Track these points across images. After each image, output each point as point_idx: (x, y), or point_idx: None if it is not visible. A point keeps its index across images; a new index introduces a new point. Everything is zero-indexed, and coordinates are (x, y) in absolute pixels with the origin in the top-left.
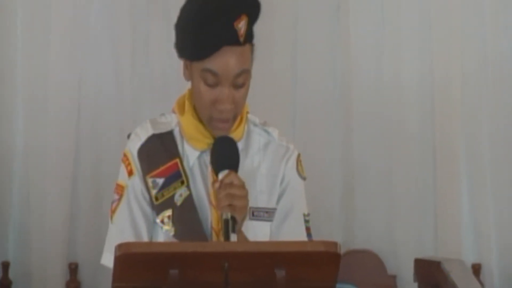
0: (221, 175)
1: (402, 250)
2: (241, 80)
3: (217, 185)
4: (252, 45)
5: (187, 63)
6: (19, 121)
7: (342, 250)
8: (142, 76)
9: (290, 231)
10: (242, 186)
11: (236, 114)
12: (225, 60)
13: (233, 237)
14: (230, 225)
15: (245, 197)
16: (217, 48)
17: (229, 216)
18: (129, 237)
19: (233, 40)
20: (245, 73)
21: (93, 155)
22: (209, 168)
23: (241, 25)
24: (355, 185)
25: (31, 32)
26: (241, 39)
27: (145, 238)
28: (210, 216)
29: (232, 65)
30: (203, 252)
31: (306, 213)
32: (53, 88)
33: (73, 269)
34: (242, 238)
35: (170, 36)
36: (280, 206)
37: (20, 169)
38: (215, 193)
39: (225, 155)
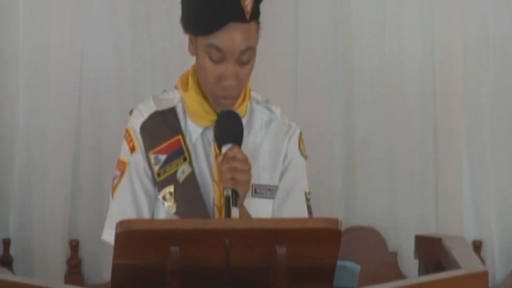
0: (224, 149)
1: (403, 227)
2: (246, 58)
3: (220, 158)
4: (258, 22)
5: (192, 38)
6: (20, 100)
7: (343, 227)
8: (143, 54)
9: (292, 209)
10: (245, 160)
11: (240, 91)
12: (231, 36)
13: (235, 211)
14: (232, 199)
15: (248, 171)
16: (223, 23)
17: (230, 192)
18: (130, 214)
19: (239, 16)
20: (250, 50)
21: (94, 133)
22: (212, 145)
23: (248, 2)
24: (356, 163)
25: (32, 11)
26: (247, 16)
27: (146, 215)
28: (212, 193)
29: (238, 41)
30: (204, 229)
31: (307, 191)
32: (54, 67)
33: (74, 246)
34: (244, 213)
35: (171, 13)
36: (282, 184)
37: (22, 146)
38: (218, 167)
39: (228, 129)
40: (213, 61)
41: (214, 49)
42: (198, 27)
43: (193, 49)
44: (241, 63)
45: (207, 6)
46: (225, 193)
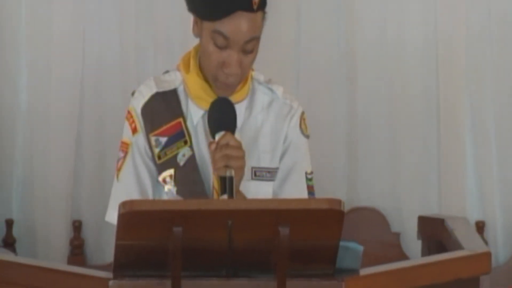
0: (217, 136)
1: (406, 208)
2: (250, 47)
3: (213, 146)
4: (264, 12)
5: (197, 20)
6: (22, 79)
7: (346, 208)
8: (146, 34)
9: (292, 189)
10: (239, 147)
11: (241, 79)
12: (237, 25)
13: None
14: (227, 185)
15: (241, 157)
16: (230, 11)
17: (232, 173)
18: (134, 194)
19: (247, 5)
20: (255, 40)
21: (97, 113)
22: None
23: None
24: (359, 143)
25: None
26: (255, 6)
27: (151, 196)
28: (212, 176)
29: (244, 31)
30: (207, 209)
31: (309, 171)
32: (56, 47)
33: (77, 226)
34: (241, 197)
35: None
36: (282, 164)
37: (24, 127)
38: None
39: (220, 116)
40: (217, 47)
41: (219, 36)
42: (205, 12)
43: (198, 31)
44: (245, 51)
45: None
46: (227, 173)
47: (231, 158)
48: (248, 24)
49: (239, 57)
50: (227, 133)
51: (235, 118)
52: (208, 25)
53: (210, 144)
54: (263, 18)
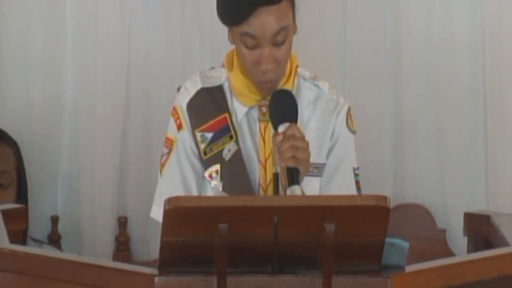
0: (281, 128)
1: (452, 204)
2: (280, 38)
3: (279, 137)
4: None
5: (229, 28)
6: (68, 75)
7: (391, 204)
8: (192, 28)
9: (340, 185)
10: (304, 138)
11: (280, 72)
12: (262, 21)
13: (298, 189)
14: (295, 176)
15: (307, 149)
16: (251, 10)
17: (278, 170)
18: (178, 191)
19: (265, 1)
20: (284, 30)
21: (143, 109)
22: (258, 125)
23: None
24: (405, 139)
25: None
26: None
27: (195, 192)
28: (258, 173)
29: (269, 25)
30: (252, 206)
31: (355, 167)
32: (102, 44)
33: (122, 223)
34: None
35: None
36: (330, 160)
37: (70, 123)
38: (263, 146)
39: (284, 108)
40: (249, 48)
41: (247, 37)
42: (228, 18)
43: (232, 38)
44: (277, 44)
45: None
46: (273, 170)
47: (299, 150)
48: (273, 17)
49: (271, 52)
50: (293, 124)
51: (297, 109)
52: (236, 30)
53: (275, 135)
54: (290, 5)
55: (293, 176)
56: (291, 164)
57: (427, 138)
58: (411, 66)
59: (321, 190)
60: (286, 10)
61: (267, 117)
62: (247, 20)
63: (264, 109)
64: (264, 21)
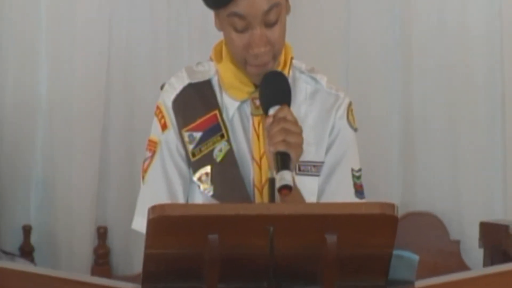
0: (272, 110)
1: (466, 213)
2: (272, 17)
3: (269, 120)
4: None
5: (215, 12)
6: (42, 70)
7: (400, 213)
8: (179, 19)
9: (336, 186)
10: (296, 122)
11: (275, 54)
12: (250, 0)
13: (288, 174)
14: (285, 161)
15: (300, 133)
16: None
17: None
18: (163, 199)
19: None
20: (276, 7)
21: (124, 107)
22: (251, 120)
23: None
24: (415, 140)
25: None
26: None
27: (181, 200)
28: (252, 173)
29: (258, 2)
30: (246, 214)
31: (356, 168)
32: (80, 34)
33: (102, 233)
34: (297, 194)
35: None
36: (328, 158)
37: (44, 122)
38: (258, 143)
39: (275, 89)
40: (238, 31)
41: (236, 18)
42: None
43: (219, 24)
44: (269, 24)
45: None
46: (269, 174)
47: (290, 133)
48: None
49: (263, 33)
50: (284, 106)
51: (290, 91)
52: (223, 12)
53: (266, 118)
54: None
55: (284, 161)
56: (281, 148)
57: (439, 140)
58: (422, 61)
59: (319, 191)
60: None
61: (261, 110)
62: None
63: (257, 102)
64: None
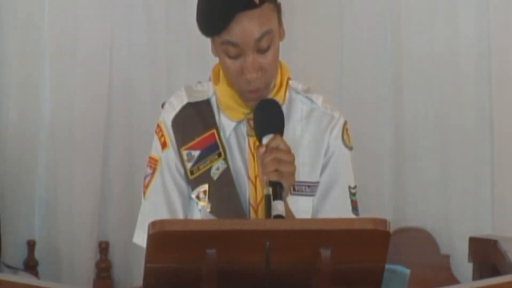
0: (265, 140)
1: (456, 228)
2: (264, 44)
3: (262, 149)
4: (274, 2)
5: (212, 39)
6: (45, 87)
7: (392, 228)
8: (177, 40)
9: (334, 205)
10: (289, 150)
11: (268, 81)
12: (242, 27)
13: (280, 204)
14: (278, 192)
15: (292, 162)
16: (230, 17)
17: (270, 191)
18: (163, 214)
19: (245, 5)
20: (268, 34)
21: (125, 126)
22: (247, 140)
23: None
24: (406, 158)
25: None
26: (256, 1)
27: (180, 215)
28: (248, 191)
29: (251, 30)
30: (243, 230)
31: (352, 185)
32: (82, 56)
33: (104, 248)
34: (288, 213)
35: None
36: (324, 178)
37: (47, 141)
38: (253, 163)
39: (268, 118)
40: (231, 58)
41: (229, 45)
42: (208, 28)
43: (214, 50)
44: (261, 51)
45: (210, 4)
46: (265, 191)
47: (282, 163)
48: (254, 22)
49: (255, 59)
50: (277, 135)
51: (283, 120)
52: (217, 40)
53: (257, 147)
54: (275, 8)
55: (276, 191)
56: (273, 178)
57: (429, 158)
58: (413, 82)
59: (314, 210)
60: (269, 13)
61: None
62: (227, 27)
63: (252, 123)
64: (245, 26)
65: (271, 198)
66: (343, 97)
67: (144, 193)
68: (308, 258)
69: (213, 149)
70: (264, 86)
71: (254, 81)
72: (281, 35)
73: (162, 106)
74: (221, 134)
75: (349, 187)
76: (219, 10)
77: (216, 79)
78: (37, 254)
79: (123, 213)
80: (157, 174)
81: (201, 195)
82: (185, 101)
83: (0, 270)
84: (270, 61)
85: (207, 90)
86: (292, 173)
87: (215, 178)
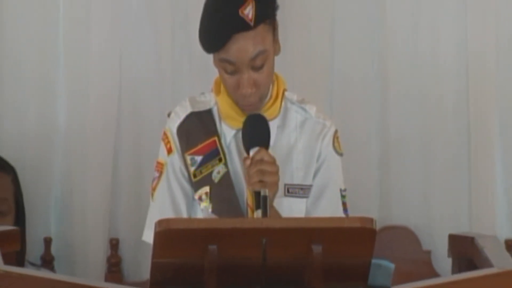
0: (251, 152)
1: (437, 226)
2: (259, 62)
3: (247, 162)
4: (269, 23)
5: (212, 55)
6: (61, 100)
7: (378, 226)
8: (182, 55)
9: (327, 206)
10: (273, 162)
11: (262, 95)
12: (238, 47)
13: (259, 214)
14: (261, 201)
15: (275, 173)
16: (227, 37)
17: (266, 192)
18: (168, 214)
19: (240, 27)
20: (262, 54)
21: (134, 132)
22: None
23: (247, 10)
24: (391, 161)
25: (72, 12)
26: (251, 23)
27: (185, 215)
28: (245, 193)
29: (246, 50)
30: (242, 228)
31: (342, 188)
32: (94, 68)
33: (114, 244)
34: (274, 213)
35: None
36: (316, 182)
37: (62, 146)
38: (246, 170)
39: (254, 132)
40: (228, 73)
41: (226, 63)
42: (208, 46)
43: (214, 64)
44: (255, 68)
45: (209, 24)
46: (262, 192)
47: (266, 173)
48: (250, 42)
49: (250, 76)
50: (261, 148)
51: (268, 134)
52: (216, 56)
53: (244, 159)
54: (270, 28)
55: (259, 201)
56: (257, 188)
57: (412, 161)
58: (397, 90)
59: (307, 211)
60: (263, 34)
61: None
62: (224, 47)
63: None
64: (241, 47)
65: (267, 199)
66: (334, 107)
67: (152, 195)
68: (301, 254)
69: (215, 154)
70: (259, 99)
71: (249, 96)
72: (276, 51)
73: (168, 115)
74: (222, 141)
75: (340, 190)
76: (217, 31)
77: (217, 90)
78: (53, 250)
79: (132, 212)
80: (163, 177)
81: (203, 196)
82: (189, 110)
83: (25, 267)
84: (264, 77)
85: (209, 100)
86: (276, 183)
87: (216, 181)
